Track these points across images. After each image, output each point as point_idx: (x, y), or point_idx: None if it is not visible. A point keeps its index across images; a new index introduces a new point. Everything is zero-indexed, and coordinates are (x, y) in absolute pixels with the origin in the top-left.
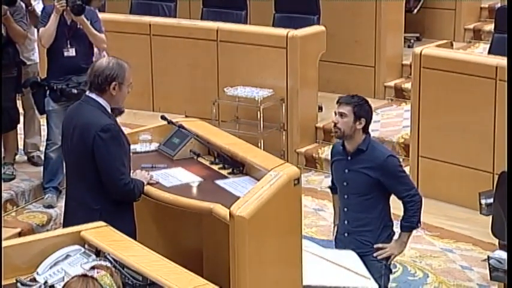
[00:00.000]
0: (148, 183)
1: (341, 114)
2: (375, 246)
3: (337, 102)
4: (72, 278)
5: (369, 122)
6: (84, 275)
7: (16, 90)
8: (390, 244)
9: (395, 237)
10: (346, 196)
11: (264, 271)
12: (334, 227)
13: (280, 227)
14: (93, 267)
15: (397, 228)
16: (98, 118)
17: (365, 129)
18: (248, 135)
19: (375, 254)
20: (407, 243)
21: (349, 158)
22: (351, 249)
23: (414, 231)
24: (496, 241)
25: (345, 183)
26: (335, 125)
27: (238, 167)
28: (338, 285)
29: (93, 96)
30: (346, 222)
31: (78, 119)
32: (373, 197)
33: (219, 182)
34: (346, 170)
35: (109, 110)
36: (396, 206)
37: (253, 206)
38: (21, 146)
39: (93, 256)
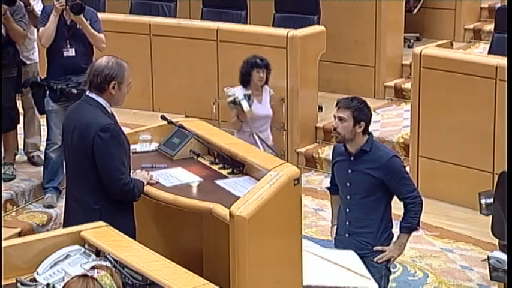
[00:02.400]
0: (149, 183)
1: (340, 119)
2: (375, 248)
3: (336, 105)
4: (72, 278)
5: (368, 124)
6: (84, 275)
7: (16, 90)
8: (389, 247)
9: (394, 239)
10: (348, 197)
11: (264, 271)
12: (332, 228)
13: (280, 227)
14: (93, 267)
15: (396, 229)
16: (97, 118)
17: (365, 131)
18: None
19: (375, 259)
20: (406, 245)
21: (352, 158)
22: (351, 250)
23: (413, 233)
24: (496, 241)
25: (348, 184)
26: (335, 129)
27: (238, 167)
28: (338, 285)
29: (93, 95)
30: (347, 223)
31: (78, 119)
32: (376, 198)
33: (219, 182)
34: (350, 171)
35: (109, 110)
36: (397, 207)
37: (253, 206)
38: (21, 146)
39: (93, 256)
